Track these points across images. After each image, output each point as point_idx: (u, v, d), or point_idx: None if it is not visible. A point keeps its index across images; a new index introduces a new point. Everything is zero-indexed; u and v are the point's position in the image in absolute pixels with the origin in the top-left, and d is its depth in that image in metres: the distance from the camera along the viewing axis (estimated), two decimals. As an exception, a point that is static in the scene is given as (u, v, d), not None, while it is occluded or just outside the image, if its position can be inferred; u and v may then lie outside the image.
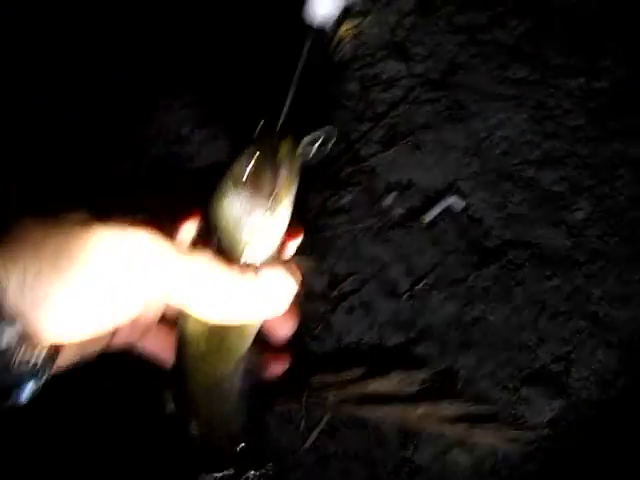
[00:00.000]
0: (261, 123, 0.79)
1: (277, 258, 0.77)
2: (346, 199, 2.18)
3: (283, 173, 0.75)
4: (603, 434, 1.87)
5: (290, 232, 0.79)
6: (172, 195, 0.81)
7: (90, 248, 0.57)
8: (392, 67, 2.33)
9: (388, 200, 2.14)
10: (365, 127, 2.25)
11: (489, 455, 1.87)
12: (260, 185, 0.74)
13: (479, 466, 1.87)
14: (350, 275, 2.08)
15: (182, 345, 0.78)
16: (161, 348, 0.85)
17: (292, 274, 0.73)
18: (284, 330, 0.85)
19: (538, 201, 2.08)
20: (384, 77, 2.32)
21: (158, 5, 2.57)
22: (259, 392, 0.86)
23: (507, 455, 1.87)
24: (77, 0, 2.58)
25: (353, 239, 2.12)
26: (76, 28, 2.57)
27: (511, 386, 1.92)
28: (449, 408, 1.91)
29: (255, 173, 0.74)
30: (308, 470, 1.92)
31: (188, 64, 2.54)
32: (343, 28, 2.43)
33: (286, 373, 0.94)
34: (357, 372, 1.95)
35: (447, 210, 2.09)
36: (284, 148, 0.76)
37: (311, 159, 0.79)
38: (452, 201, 2.08)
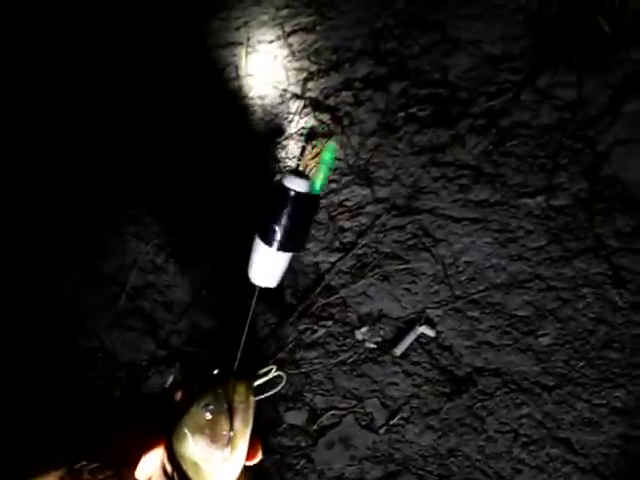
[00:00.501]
0: (216, 371, 0.86)
1: None
2: (320, 332, 2.21)
3: (239, 417, 0.82)
4: None
5: (248, 455, 0.84)
6: (141, 420, 0.85)
7: None
8: (357, 193, 2.37)
9: (360, 334, 2.17)
10: (334, 257, 2.29)
11: None
12: (217, 433, 0.80)
13: None
14: (328, 410, 2.11)
15: None
16: None
17: None
18: (254, 458, 0.87)
19: (505, 327, 2.10)
20: (350, 204, 2.35)
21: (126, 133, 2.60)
22: None
23: None
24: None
25: (329, 373, 2.15)
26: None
27: (490, 517, 1.94)
28: None
29: (212, 421, 0.81)
30: None
31: (153, 190, 2.57)
32: (308, 154, 2.45)
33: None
34: (340, 512, 1.97)
35: (418, 339, 2.12)
36: (240, 393, 0.84)
37: (263, 399, 0.86)
38: (422, 330, 2.10)
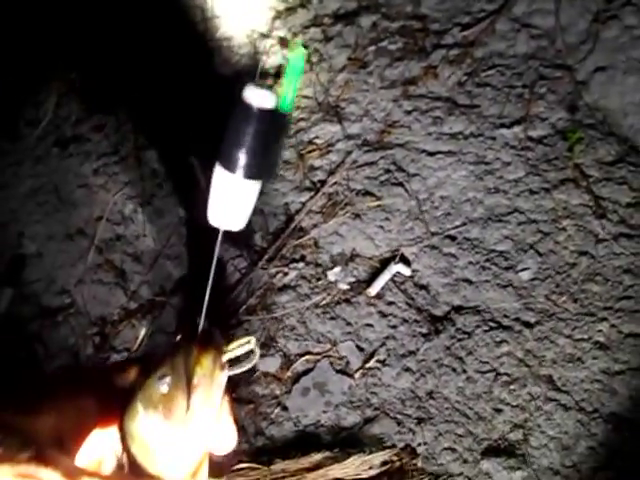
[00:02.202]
0: (178, 337, 0.70)
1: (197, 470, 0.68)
2: (292, 275, 2.03)
3: (200, 394, 0.66)
4: (567, 500, 1.74)
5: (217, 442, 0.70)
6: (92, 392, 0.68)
7: None
8: (327, 130, 2.18)
9: (333, 274, 2.00)
10: (304, 197, 2.10)
11: (455, 532, 1.74)
12: (172, 411, 0.65)
13: None
14: (302, 355, 1.95)
15: None
16: None
17: None
18: (226, 448, 0.74)
19: (484, 263, 1.93)
20: (320, 142, 2.16)
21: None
22: None
23: (473, 531, 1.74)
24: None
25: (302, 317, 1.98)
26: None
27: (471, 459, 1.80)
28: (411, 488, 1.77)
29: (167, 396, 0.66)
30: None
31: (118, 140, 2.38)
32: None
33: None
34: (317, 457, 1.84)
35: (393, 279, 1.94)
36: (204, 366, 0.67)
37: (237, 373, 0.71)
38: (397, 269, 1.92)
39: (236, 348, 0.71)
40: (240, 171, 0.78)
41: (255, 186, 0.81)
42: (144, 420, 0.65)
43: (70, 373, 0.73)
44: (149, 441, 0.65)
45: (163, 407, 0.65)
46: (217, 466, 0.78)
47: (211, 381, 0.67)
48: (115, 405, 0.68)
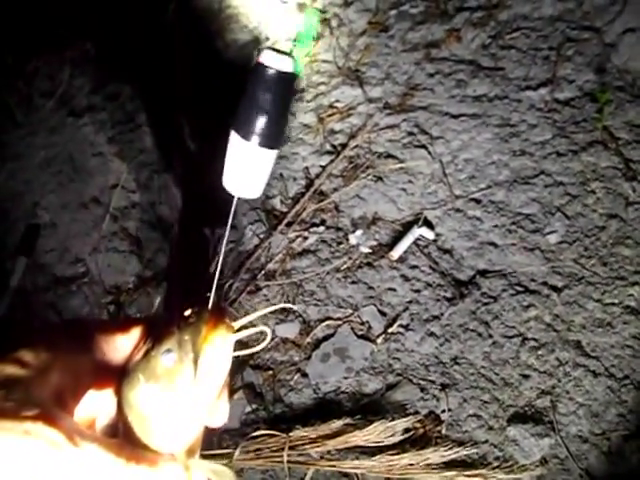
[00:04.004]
0: (187, 312, 0.66)
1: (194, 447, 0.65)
2: (312, 239, 1.96)
3: (206, 373, 0.62)
4: (597, 469, 1.66)
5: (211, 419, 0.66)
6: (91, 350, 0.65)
7: None
8: (348, 93, 2.10)
9: (354, 238, 1.92)
10: (325, 161, 2.03)
11: (481, 501, 1.67)
12: (176, 387, 0.62)
13: (471, 513, 1.66)
14: (322, 320, 1.87)
15: None
16: None
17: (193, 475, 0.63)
18: (216, 424, 0.69)
19: (510, 226, 1.85)
20: (340, 105, 2.09)
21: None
22: None
23: (499, 499, 1.66)
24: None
25: (322, 282, 1.91)
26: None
27: (497, 426, 1.72)
28: (435, 455, 1.72)
29: (172, 371, 0.62)
30: (297, 528, 1.73)
31: (131, 108, 2.31)
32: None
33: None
34: (338, 424, 1.76)
35: (416, 242, 1.86)
36: (213, 344, 0.63)
37: (245, 355, 0.69)
38: (420, 233, 1.85)
39: (247, 327, 0.67)
40: (256, 139, 0.74)
41: (271, 154, 0.76)
42: (144, 391, 0.62)
43: (71, 327, 0.66)
44: (148, 413, 0.62)
45: (166, 381, 0.62)
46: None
47: (218, 360, 0.64)
48: (114, 365, 0.65)
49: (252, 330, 0.67)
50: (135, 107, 2.39)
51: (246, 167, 0.77)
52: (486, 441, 1.75)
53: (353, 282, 1.92)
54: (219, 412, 0.68)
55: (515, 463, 1.72)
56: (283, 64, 0.72)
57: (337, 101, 2.13)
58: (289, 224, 2.00)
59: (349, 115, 2.10)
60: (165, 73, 2.35)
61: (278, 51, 0.73)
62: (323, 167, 2.04)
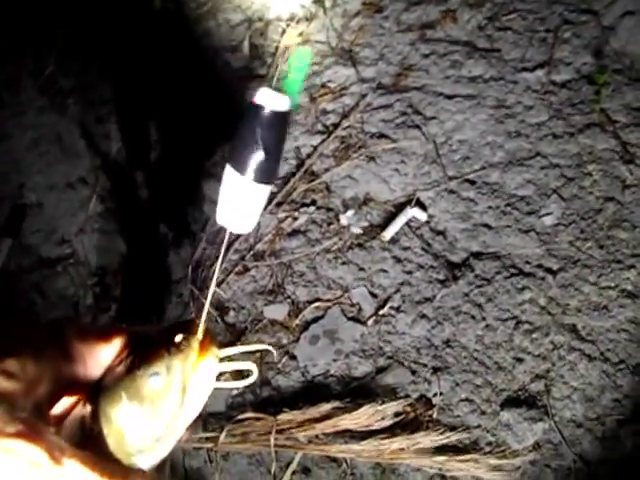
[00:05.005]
0: (180, 337, 0.66)
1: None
2: (302, 220, 1.90)
3: (190, 401, 0.64)
4: (591, 454, 1.61)
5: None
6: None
7: None
8: (341, 73, 2.04)
9: (345, 218, 1.86)
10: (316, 141, 1.97)
11: (472, 486, 1.61)
12: (159, 410, 0.63)
13: (462, 499, 1.61)
14: (311, 302, 1.81)
15: None
16: None
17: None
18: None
19: (504, 207, 1.80)
20: (333, 85, 2.03)
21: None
22: None
23: (491, 484, 1.60)
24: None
25: (312, 263, 1.85)
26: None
27: (490, 411, 1.66)
28: (426, 439, 1.66)
29: (157, 395, 0.63)
30: (284, 514, 1.67)
31: (121, 90, 2.25)
32: (288, 36, 2.12)
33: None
34: (326, 407, 1.70)
35: (408, 224, 1.80)
36: (201, 374, 0.65)
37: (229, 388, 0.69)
38: (413, 214, 1.79)
39: (236, 359, 0.69)
40: (251, 174, 0.75)
41: (265, 189, 0.77)
42: (126, 410, 0.63)
43: (53, 330, 0.65)
44: (125, 430, 0.62)
45: (149, 403, 0.63)
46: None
47: (203, 391, 0.66)
48: (93, 373, 0.65)
49: (239, 364, 0.69)
50: (124, 87, 2.32)
51: (240, 202, 0.77)
52: (478, 426, 1.69)
53: (343, 263, 1.85)
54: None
55: (508, 448, 1.67)
56: (279, 104, 0.73)
57: (330, 81, 2.07)
58: (279, 204, 1.94)
59: (342, 95, 2.04)
60: (155, 52, 2.28)
61: (274, 89, 0.74)
62: (314, 147, 1.98)
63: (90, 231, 2.17)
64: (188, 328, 0.67)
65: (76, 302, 2.11)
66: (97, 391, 0.63)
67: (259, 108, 0.73)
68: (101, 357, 0.65)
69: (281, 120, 0.75)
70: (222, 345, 0.69)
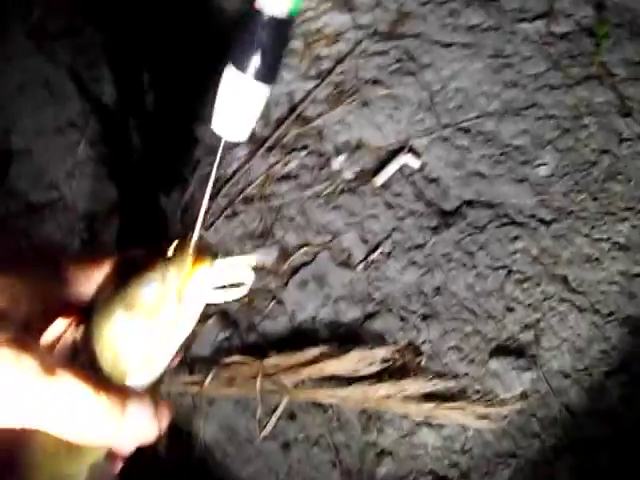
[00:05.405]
0: (174, 244, 0.62)
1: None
2: (293, 164, 1.86)
3: (185, 313, 0.60)
4: (578, 405, 1.58)
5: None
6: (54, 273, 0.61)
7: None
8: (337, 20, 2.00)
9: (337, 163, 1.82)
10: (310, 85, 1.93)
11: (458, 434, 1.62)
12: (155, 319, 0.59)
13: (449, 446, 1.61)
14: (301, 247, 1.78)
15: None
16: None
17: (162, 414, 0.59)
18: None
19: (499, 156, 1.76)
20: (328, 31, 1.98)
21: None
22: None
23: (478, 433, 1.61)
24: None
25: (302, 207, 1.81)
26: None
27: (478, 359, 1.64)
28: (413, 386, 1.62)
29: (151, 306, 0.59)
30: (268, 459, 1.66)
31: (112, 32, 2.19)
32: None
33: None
34: (313, 352, 1.66)
35: (401, 170, 1.76)
36: (196, 283, 0.61)
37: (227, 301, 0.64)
38: (406, 160, 1.75)
39: (231, 267, 0.63)
40: (252, 71, 0.69)
41: (265, 90, 0.71)
42: (120, 324, 0.59)
43: (42, 254, 0.63)
44: (119, 345, 0.59)
45: (145, 315, 0.59)
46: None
47: (199, 299, 0.61)
48: (83, 296, 0.62)
49: (235, 271, 0.63)
50: (117, 30, 2.26)
51: (238, 103, 0.72)
52: (466, 374, 1.66)
53: (334, 208, 1.81)
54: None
55: (495, 397, 1.64)
56: (278, 8, 0.68)
57: (325, 26, 2.02)
58: (270, 148, 1.89)
59: (336, 41, 1.99)
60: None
61: None
62: (308, 92, 1.93)
63: (79, 176, 2.11)
64: (181, 242, 0.63)
65: (64, 247, 2.06)
66: (89, 312, 0.60)
67: (259, 13, 0.69)
68: (94, 279, 0.62)
69: (281, 25, 0.71)
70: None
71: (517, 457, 1.61)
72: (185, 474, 1.76)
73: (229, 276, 0.63)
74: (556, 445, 1.61)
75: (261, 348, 1.74)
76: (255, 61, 0.70)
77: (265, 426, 1.69)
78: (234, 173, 1.92)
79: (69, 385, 0.51)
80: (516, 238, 1.74)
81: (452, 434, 1.63)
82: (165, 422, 0.60)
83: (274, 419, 1.69)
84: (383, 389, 1.65)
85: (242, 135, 0.74)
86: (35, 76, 2.31)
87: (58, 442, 0.56)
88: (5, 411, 0.48)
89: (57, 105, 2.22)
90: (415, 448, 1.63)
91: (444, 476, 1.62)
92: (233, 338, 1.77)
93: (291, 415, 1.69)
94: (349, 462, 1.65)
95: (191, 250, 0.61)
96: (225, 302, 0.63)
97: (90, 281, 0.62)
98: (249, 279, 0.64)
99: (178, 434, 1.77)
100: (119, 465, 0.65)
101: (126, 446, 0.59)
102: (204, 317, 1.79)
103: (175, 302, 0.59)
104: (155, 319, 0.59)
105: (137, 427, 0.56)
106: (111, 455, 0.63)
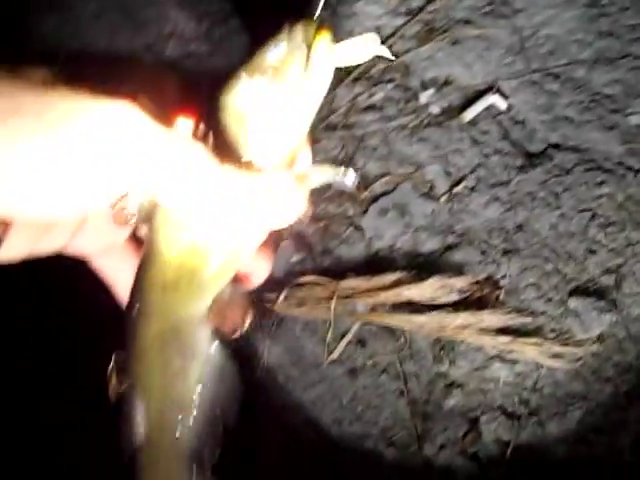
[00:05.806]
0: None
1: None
2: (378, 96, 1.83)
3: (315, 68, 0.56)
4: (655, 353, 1.56)
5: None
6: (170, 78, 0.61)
7: (53, 109, 0.41)
8: (428, -41, 1.96)
9: (424, 97, 1.79)
10: (399, 22, 1.89)
11: (531, 371, 1.57)
12: (285, 73, 0.56)
13: (520, 383, 1.58)
14: (382, 176, 1.74)
15: (144, 270, 0.57)
16: (120, 273, 0.62)
17: (303, 182, 0.57)
18: (258, 277, 0.63)
19: (588, 103, 1.73)
20: (420, -31, 1.94)
21: None
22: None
23: (550, 372, 1.57)
24: None
25: (385, 138, 1.78)
26: None
27: (557, 298, 1.60)
28: (490, 319, 1.59)
29: (282, 61, 0.56)
30: (333, 384, 1.62)
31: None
32: None
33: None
34: (390, 278, 1.63)
35: (488, 110, 1.74)
36: (325, 39, 0.56)
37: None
38: (493, 101, 1.73)
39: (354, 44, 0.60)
40: None
41: None
42: (247, 87, 0.56)
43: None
44: (247, 113, 0.56)
45: (273, 72, 0.56)
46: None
47: (327, 61, 0.57)
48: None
49: (358, 41, 0.60)
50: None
51: None
52: (544, 312, 1.64)
53: (419, 140, 1.79)
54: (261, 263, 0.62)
55: (572, 336, 1.61)
56: None
57: (417, -33, 1.99)
58: (356, 79, 1.87)
59: (428, -19, 1.97)
60: None
61: None
62: (396, 28, 1.91)
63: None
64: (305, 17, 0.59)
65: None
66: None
67: None
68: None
69: None
70: None
71: (588, 400, 1.58)
72: (243, 395, 1.73)
73: (353, 48, 0.60)
74: (629, 392, 1.58)
75: (335, 273, 1.71)
76: None
77: (333, 351, 1.66)
78: (317, 101, 1.89)
79: (199, 152, 0.49)
80: (602, 183, 1.71)
81: (524, 371, 1.60)
82: (309, 189, 0.58)
83: (343, 343, 1.66)
84: (460, 319, 1.62)
85: None
86: (112, 1, 2.30)
87: (178, 267, 0.54)
88: (130, 166, 0.47)
89: (134, 29, 2.20)
90: (486, 382, 1.60)
91: (512, 412, 1.59)
92: (307, 261, 1.74)
93: (361, 341, 1.66)
94: (416, 392, 1.62)
95: (315, 17, 0.58)
96: (351, 65, 0.60)
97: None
98: (375, 49, 0.62)
99: (239, 354, 1.74)
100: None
101: (267, 222, 0.55)
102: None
103: (302, 64, 0.56)
104: (282, 81, 0.56)
105: (278, 193, 0.54)
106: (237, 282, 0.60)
